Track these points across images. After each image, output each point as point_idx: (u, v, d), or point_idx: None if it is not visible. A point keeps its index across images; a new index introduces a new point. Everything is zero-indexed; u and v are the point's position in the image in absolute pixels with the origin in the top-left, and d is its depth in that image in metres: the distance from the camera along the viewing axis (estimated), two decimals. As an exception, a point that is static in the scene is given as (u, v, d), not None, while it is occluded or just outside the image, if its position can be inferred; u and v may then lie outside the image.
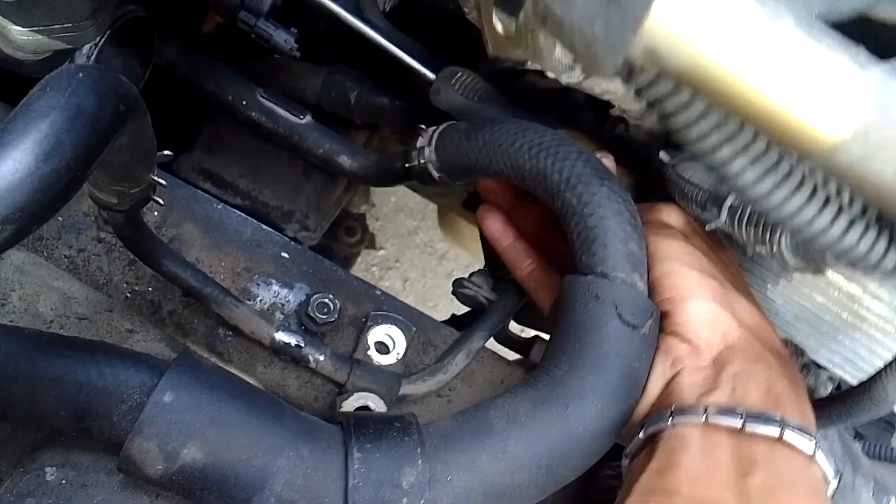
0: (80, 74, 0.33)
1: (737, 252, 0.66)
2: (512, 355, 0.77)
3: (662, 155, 0.65)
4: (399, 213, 2.04)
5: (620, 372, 0.50)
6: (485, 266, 0.81)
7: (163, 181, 0.48)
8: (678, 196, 0.61)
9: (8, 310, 0.54)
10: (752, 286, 0.61)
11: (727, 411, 0.46)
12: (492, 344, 0.72)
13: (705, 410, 0.47)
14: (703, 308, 0.52)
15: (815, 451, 0.46)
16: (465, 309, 0.81)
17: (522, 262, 0.68)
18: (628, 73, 0.31)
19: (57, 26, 0.49)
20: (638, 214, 0.55)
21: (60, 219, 0.63)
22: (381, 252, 2.00)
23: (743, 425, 0.45)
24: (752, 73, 0.29)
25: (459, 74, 0.74)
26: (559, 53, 0.59)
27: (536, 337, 0.76)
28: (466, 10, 0.66)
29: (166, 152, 0.45)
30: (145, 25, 0.73)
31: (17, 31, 0.50)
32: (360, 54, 0.92)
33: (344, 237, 1.16)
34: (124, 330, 0.58)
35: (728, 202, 0.53)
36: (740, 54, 0.28)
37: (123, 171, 0.42)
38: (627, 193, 0.55)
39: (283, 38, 0.75)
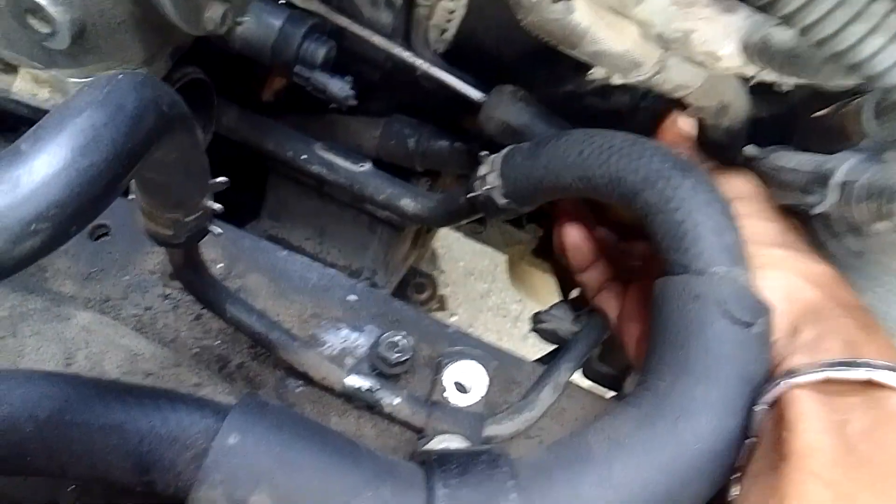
0: (121, 76, 0.31)
1: (841, 246, 0.59)
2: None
3: (749, 150, 0.60)
4: (469, 276, 2.00)
5: (737, 377, 0.43)
6: (562, 300, 0.76)
7: (218, 230, 0.47)
8: (775, 186, 0.55)
9: (74, 369, 0.52)
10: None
11: (808, 367, 0.43)
12: (581, 381, 0.66)
13: (786, 376, 0.43)
14: (771, 276, 0.49)
15: None
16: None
17: (597, 284, 0.63)
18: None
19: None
20: (730, 205, 0.49)
21: (127, 278, 0.62)
22: (454, 318, 1.95)
23: (828, 376, 0.42)
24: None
25: (513, 90, 0.72)
26: (625, 47, 0.56)
27: (629, 368, 0.69)
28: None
29: (221, 179, 0.43)
30: (206, 88, 0.74)
31: (73, 83, 0.50)
32: (415, 104, 0.92)
33: (414, 294, 1.13)
34: (192, 384, 0.55)
35: (836, 179, 0.47)
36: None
37: (176, 195, 0.40)
38: (715, 183, 0.50)
39: (339, 87, 0.75)
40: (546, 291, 1.40)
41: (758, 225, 0.53)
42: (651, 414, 0.43)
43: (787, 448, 0.40)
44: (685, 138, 0.65)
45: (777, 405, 0.42)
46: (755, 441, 0.43)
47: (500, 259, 1.75)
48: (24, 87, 0.54)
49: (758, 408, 0.43)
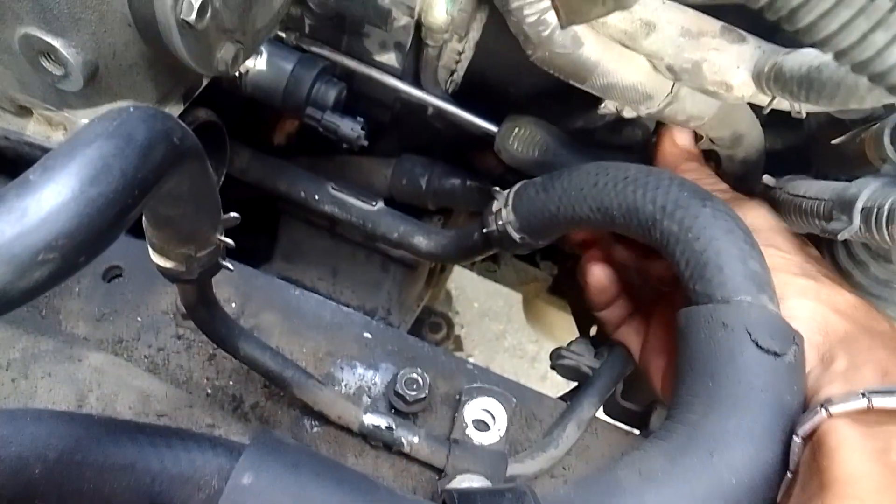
0: (131, 109, 0.31)
1: (867, 274, 0.58)
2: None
3: (767, 179, 0.59)
4: (483, 317, 1.98)
5: (770, 408, 0.41)
6: (580, 336, 0.75)
7: (230, 265, 0.46)
8: (795, 215, 0.54)
9: (85, 411, 0.51)
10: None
11: (846, 396, 0.41)
12: (605, 419, 0.64)
13: (823, 405, 0.41)
14: (798, 307, 0.48)
15: None
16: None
17: (618, 320, 0.62)
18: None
19: (125, 114, 0.49)
20: (751, 232, 0.48)
21: (139, 319, 0.62)
22: (470, 359, 1.93)
23: (869, 403, 0.40)
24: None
25: (517, 130, 0.71)
26: (636, 79, 0.56)
27: (655, 402, 0.67)
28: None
29: (233, 214, 0.43)
30: (218, 131, 0.74)
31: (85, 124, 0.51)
32: (426, 144, 0.92)
33: (429, 334, 1.12)
34: (205, 425, 0.54)
35: (859, 204, 0.46)
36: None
37: (188, 229, 0.39)
38: (735, 211, 0.49)
39: (350, 127, 0.75)
40: (563, 329, 1.38)
41: (780, 256, 0.52)
42: (684, 447, 0.41)
43: (828, 476, 0.38)
44: (687, 151, 0.65)
45: (815, 435, 0.41)
46: (793, 477, 0.41)
47: (515, 299, 1.74)
48: (38, 129, 0.55)
49: (795, 439, 0.41)
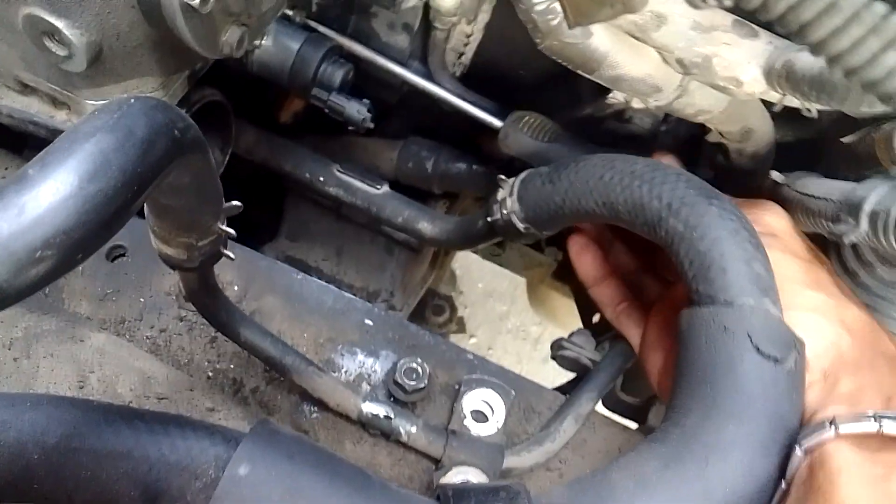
0: (132, 100, 0.31)
1: (872, 275, 0.57)
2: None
3: (775, 175, 0.58)
4: (488, 298, 1.98)
5: (767, 416, 0.41)
6: (584, 327, 0.75)
7: (231, 254, 0.46)
8: (802, 214, 0.53)
9: (86, 392, 0.52)
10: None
11: (857, 418, 0.40)
12: (603, 412, 0.65)
13: (831, 424, 0.41)
14: (805, 320, 0.47)
15: None
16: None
17: (614, 302, 0.61)
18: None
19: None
20: (757, 233, 0.48)
21: (142, 299, 0.62)
22: (473, 339, 1.93)
23: (880, 428, 0.39)
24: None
25: (527, 118, 0.71)
26: (645, 71, 0.55)
27: (653, 398, 0.67)
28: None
29: (235, 203, 0.42)
30: (223, 110, 0.74)
31: (91, 105, 0.50)
32: (433, 126, 0.91)
33: (432, 317, 1.12)
34: (205, 409, 0.54)
35: (867, 207, 0.46)
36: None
37: (189, 219, 0.39)
38: (741, 211, 0.49)
39: (356, 109, 0.74)
40: (566, 314, 1.38)
41: (792, 264, 0.51)
42: (679, 452, 0.41)
43: (827, 500, 0.38)
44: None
45: (816, 453, 0.41)
46: (786, 489, 0.41)
47: (520, 281, 1.74)
48: (43, 108, 0.54)
49: (795, 452, 0.41)
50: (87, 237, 0.27)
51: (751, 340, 0.43)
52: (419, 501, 0.43)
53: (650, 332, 0.60)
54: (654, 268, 0.64)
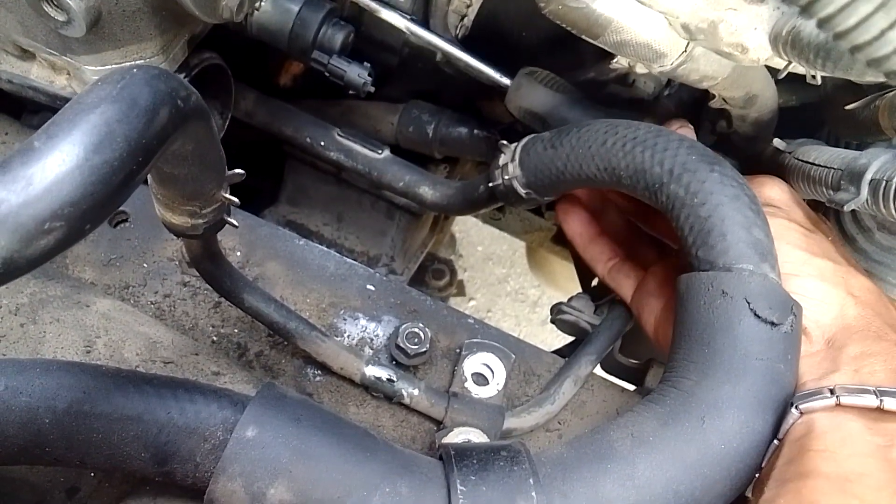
0: (135, 70, 0.31)
1: (871, 241, 0.58)
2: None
3: (777, 143, 0.58)
4: (487, 261, 1.99)
5: (763, 377, 0.42)
6: (583, 291, 0.75)
7: (235, 222, 0.46)
8: (803, 181, 0.53)
9: (93, 356, 0.53)
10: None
11: (859, 391, 0.41)
12: (601, 374, 0.66)
13: (832, 392, 0.42)
14: (810, 287, 0.48)
15: None
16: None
17: (605, 257, 0.63)
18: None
19: (128, 63, 0.49)
20: (758, 199, 0.48)
21: (146, 265, 0.62)
22: (472, 302, 1.95)
23: (880, 404, 0.40)
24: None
25: (538, 72, 0.70)
26: (650, 36, 0.54)
27: (651, 360, 0.68)
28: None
29: (238, 171, 0.43)
30: (223, 74, 0.73)
31: (90, 70, 0.50)
32: (433, 90, 0.90)
33: (432, 281, 1.13)
34: (210, 373, 0.55)
35: (868, 176, 0.46)
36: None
37: (193, 187, 0.39)
38: (742, 177, 0.49)
39: (357, 73, 0.74)
40: (565, 279, 1.39)
41: (795, 233, 0.51)
42: (676, 412, 0.42)
43: (829, 468, 0.39)
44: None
45: (816, 419, 0.41)
46: (779, 445, 0.42)
47: (519, 244, 1.74)
48: (42, 73, 0.54)
49: (792, 411, 0.42)
50: (95, 208, 0.27)
51: (748, 304, 0.43)
52: (423, 460, 0.44)
53: (649, 282, 0.60)
54: (648, 234, 0.64)
